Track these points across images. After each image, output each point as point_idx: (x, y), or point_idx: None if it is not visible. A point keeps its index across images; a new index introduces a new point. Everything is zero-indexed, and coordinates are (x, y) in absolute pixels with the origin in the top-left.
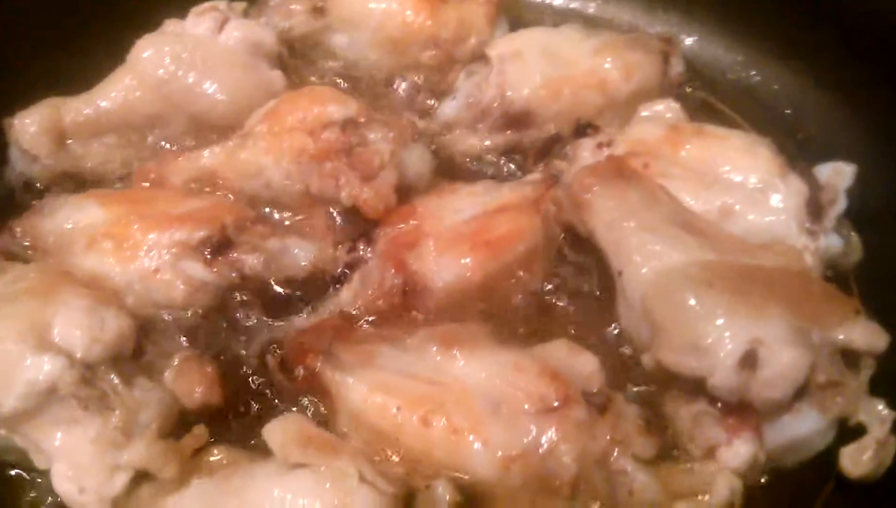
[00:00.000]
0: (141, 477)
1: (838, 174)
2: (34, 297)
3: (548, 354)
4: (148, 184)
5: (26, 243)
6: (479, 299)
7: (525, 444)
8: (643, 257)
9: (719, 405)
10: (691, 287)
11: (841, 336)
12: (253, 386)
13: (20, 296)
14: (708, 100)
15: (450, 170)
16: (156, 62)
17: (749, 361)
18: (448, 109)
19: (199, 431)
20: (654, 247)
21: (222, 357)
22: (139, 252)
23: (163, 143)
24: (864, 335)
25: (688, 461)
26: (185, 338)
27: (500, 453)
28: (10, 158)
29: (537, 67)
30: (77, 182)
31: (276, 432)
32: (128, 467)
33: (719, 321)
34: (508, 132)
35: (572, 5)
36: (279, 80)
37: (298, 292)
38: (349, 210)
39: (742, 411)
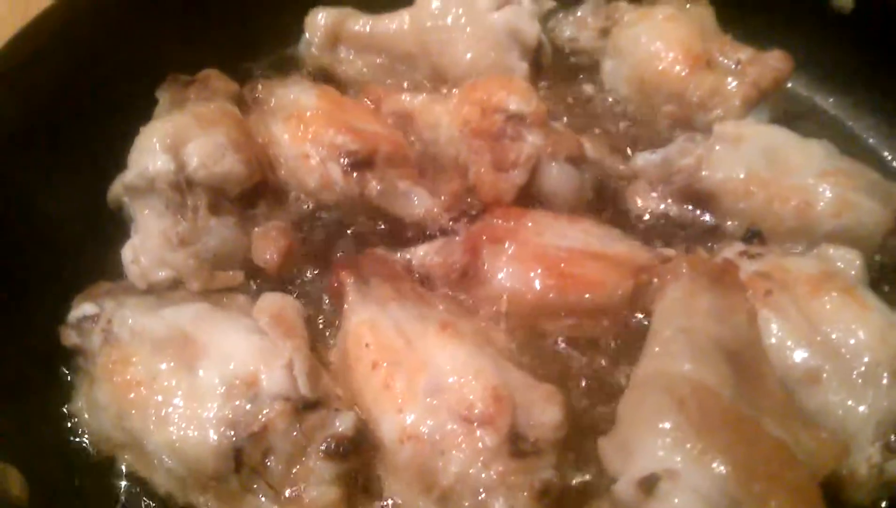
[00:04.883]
0: (181, 283)
1: None
2: (197, 120)
3: (524, 384)
4: (367, 102)
5: (258, 96)
6: (524, 317)
7: (428, 432)
8: (660, 352)
9: None
10: (661, 396)
11: None
12: (309, 274)
13: (191, 117)
14: None
15: (604, 210)
16: (431, 12)
17: (648, 485)
18: (641, 159)
19: (235, 275)
20: (675, 348)
21: (304, 237)
22: (308, 137)
23: (405, 83)
24: None
25: None
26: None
27: (405, 425)
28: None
29: (748, 160)
30: (323, 80)
31: (266, 299)
32: (171, 265)
33: (657, 439)
34: (686, 206)
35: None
36: (521, 70)
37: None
38: (472, 188)
39: None
